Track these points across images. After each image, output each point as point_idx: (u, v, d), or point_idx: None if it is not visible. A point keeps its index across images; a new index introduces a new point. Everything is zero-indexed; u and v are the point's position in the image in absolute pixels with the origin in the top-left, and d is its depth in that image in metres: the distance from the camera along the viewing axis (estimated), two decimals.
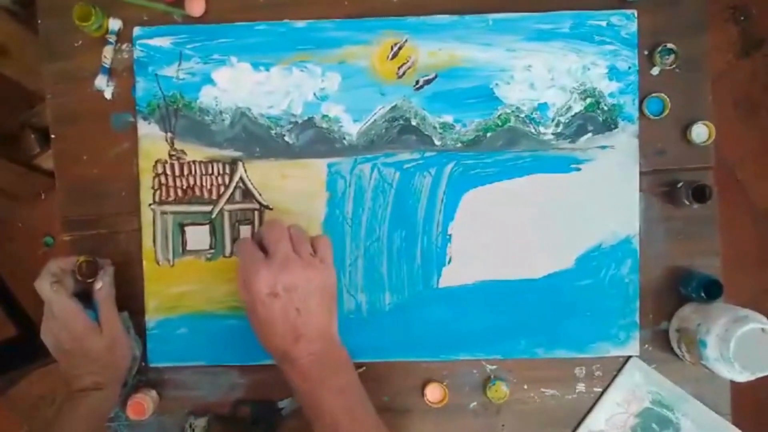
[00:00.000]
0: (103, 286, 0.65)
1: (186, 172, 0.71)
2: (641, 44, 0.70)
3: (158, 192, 0.71)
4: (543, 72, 0.70)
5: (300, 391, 0.58)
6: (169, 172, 0.71)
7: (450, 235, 0.71)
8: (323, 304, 0.59)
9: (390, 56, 0.71)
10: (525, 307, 0.71)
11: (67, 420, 0.61)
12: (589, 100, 0.70)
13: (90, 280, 0.65)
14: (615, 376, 0.71)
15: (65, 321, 0.62)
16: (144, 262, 0.71)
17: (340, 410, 0.57)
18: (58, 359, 0.64)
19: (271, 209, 0.71)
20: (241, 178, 0.71)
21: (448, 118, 0.71)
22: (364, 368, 0.71)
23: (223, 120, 0.71)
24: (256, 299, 0.57)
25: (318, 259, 0.60)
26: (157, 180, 0.71)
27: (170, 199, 0.71)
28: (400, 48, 0.71)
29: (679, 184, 0.69)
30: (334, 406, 0.57)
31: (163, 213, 0.71)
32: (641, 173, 0.71)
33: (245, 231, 0.71)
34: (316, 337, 0.58)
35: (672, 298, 0.71)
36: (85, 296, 0.65)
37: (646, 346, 0.71)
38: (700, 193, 0.67)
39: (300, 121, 0.71)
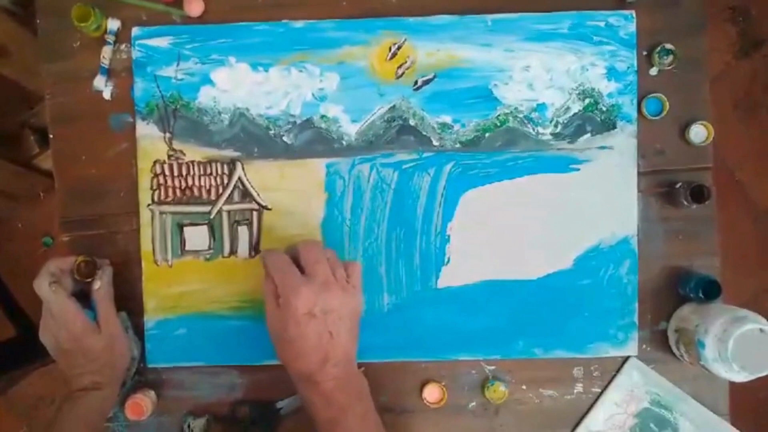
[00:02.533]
0: (101, 286, 0.65)
1: (184, 172, 0.71)
2: (640, 44, 0.70)
3: (157, 192, 0.71)
4: (542, 72, 0.70)
5: (321, 416, 0.57)
6: (167, 172, 0.71)
7: (449, 236, 0.71)
8: (352, 330, 0.59)
9: (389, 56, 0.71)
10: (523, 308, 0.71)
11: (66, 420, 0.61)
12: (587, 101, 0.70)
13: (88, 280, 0.65)
14: (613, 377, 0.71)
15: (64, 321, 0.62)
16: (143, 263, 0.71)
17: None
18: (57, 359, 0.64)
19: (269, 209, 0.71)
20: (239, 179, 0.71)
21: (447, 119, 0.71)
22: (363, 368, 0.71)
23: (221, 120, 0.71)
24: (291, 317, 0.56)
25: (351, 284, 0.60)
26: (155, 180, 0.71)
27: (169, 199, 0.71)
28: (398, 48, 0.71)
29: (678, 185, 0.69)
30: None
31: (162, 213, 0.71)
32: (640, 173, 0.71)
33: (243, 231, 0.71)
34: (341, 362, 0.58)
35: (670, 299, 0.71)
36: (83, 296, 0.65)
37: (645, 346, 0.71)
38: (698, 194, 0.67)
39: (298, 122, 0.71)
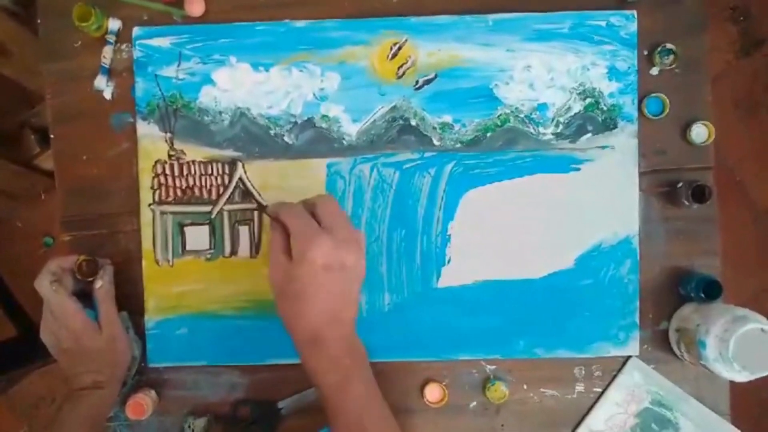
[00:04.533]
0: (102, 284, 0.65)
1: (185, 172, 0.71)
2: (641, 44, 0.70)
3: (158, 192, 0.71)
4: (542, 72, 0.70)
5: (327, 381, 0.55)
6: (168, 172, 0.71)
7: (449, 235, 0.71)
8: (358, 294, 0.57)
9: (390, 56, 0.71)
10: (524, 307, 0.71)
11: (67, 419, 0.61)
12: (588, 100, 0.70)
13: (89, 280, 0.65)
14: (614, 376, 0.71)
15: (64, 320, 0.62)
16: (143, 262, 0.71)
17: (366, 403, 0.55)
18: (57, 358, 0.64)
19: None
20: (240, 178, 0.71)
21: (448, 118, 0.71)
22: None
23: (222, 120, 0.71)
24: (306, 269, 0.53)
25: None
26: (156, 180, 0.71)
27: (170, 199, 0.71)
28: (399, 48, 0.71)
29: (679, 184, 0.69)
30: (361, 398, 0.54)
31: (163, 213, 0.71)
32: (641, 173, 0.71)
33: (244, 231, 0.71)
34: (347, 323, 0.56)
35: (671, 298, 0.71)
36: (84, 295, 0.65)
37: (646, 346, 0.71)
38: (699, 193, 0.67)
39: (299, 121, 0.71)
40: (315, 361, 0.55)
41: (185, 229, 0.71)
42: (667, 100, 0.70)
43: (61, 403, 0.63)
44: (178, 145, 0.71)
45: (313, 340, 0.55)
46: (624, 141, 0.70)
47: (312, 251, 0.53)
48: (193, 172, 0.71)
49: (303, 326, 0.55)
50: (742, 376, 0.62)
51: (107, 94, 0.71)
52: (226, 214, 0.71)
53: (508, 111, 0.71)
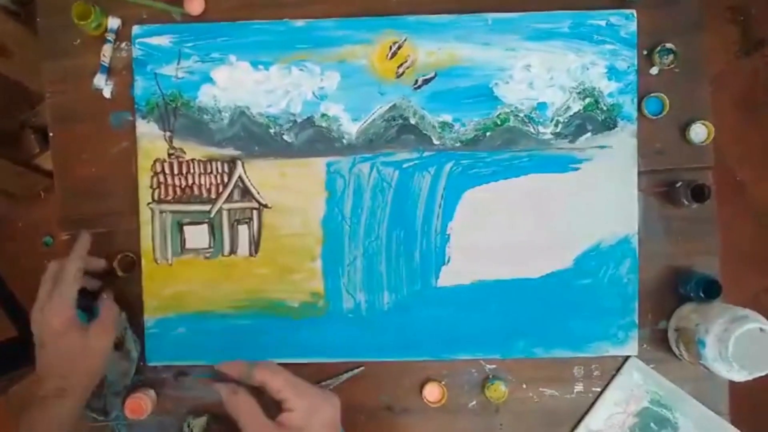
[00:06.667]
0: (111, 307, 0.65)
1: (185, 170, 0.71)
2: (640, 44, 0.70)
3: (157, 191, 0.71)
4: (542, 71, 0.70)
5: None
6: (167, 170, 0.71)
7: (449, 235, 0.71)
8: None
9: (389, 55, 0.71)
10: (524, 307, 0.70)
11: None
12: (588, 100, 0.70)
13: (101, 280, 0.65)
14: (614, 376, 0.71)
15: (58, 309, 0.60)
16: (143, 261, 0.71)
17: None
18: (36, 352, 0.61)
19: (269, 208, 0.71)
20: (239, 177, 0.71)
21: (447, 118, 0.71)
22: (363, 368, 0.71)
23: (222, 119, 0.71)
24: (319, 428, 0.53)
25: None
26: (155, 179, 0.71)
27: (169, 198, 0.71)
28: (399, 47, 0.71)
29: (678, 184, 0.69)
30: None
31: (162, 212, 0.71)
32: (640, 173, 0.71)
33: (244, 230, 0.71)
34: None
35: (671, 298, 0.71)
36: (81, 297, 0.64)
37: (645, 345, 0.71)
38: (698, 193, 0.67)
39: (299, 120, 0.71)
40: None
41: (184, 227, 0.71)
42: (667, 100, 0.70)
43: (26, 410, 0.60)
44: (177, 144, 0.71)
45: None
46: (623, 140, 0.70)
47: (323, 411, 0.53)
48: (192, 170, 0.71)
49: None
50: (741, 376, 0.62)
51: (106, 93, 0.71)
52: (225, 213, 0.71)
53: (507, 110, 0.71)
